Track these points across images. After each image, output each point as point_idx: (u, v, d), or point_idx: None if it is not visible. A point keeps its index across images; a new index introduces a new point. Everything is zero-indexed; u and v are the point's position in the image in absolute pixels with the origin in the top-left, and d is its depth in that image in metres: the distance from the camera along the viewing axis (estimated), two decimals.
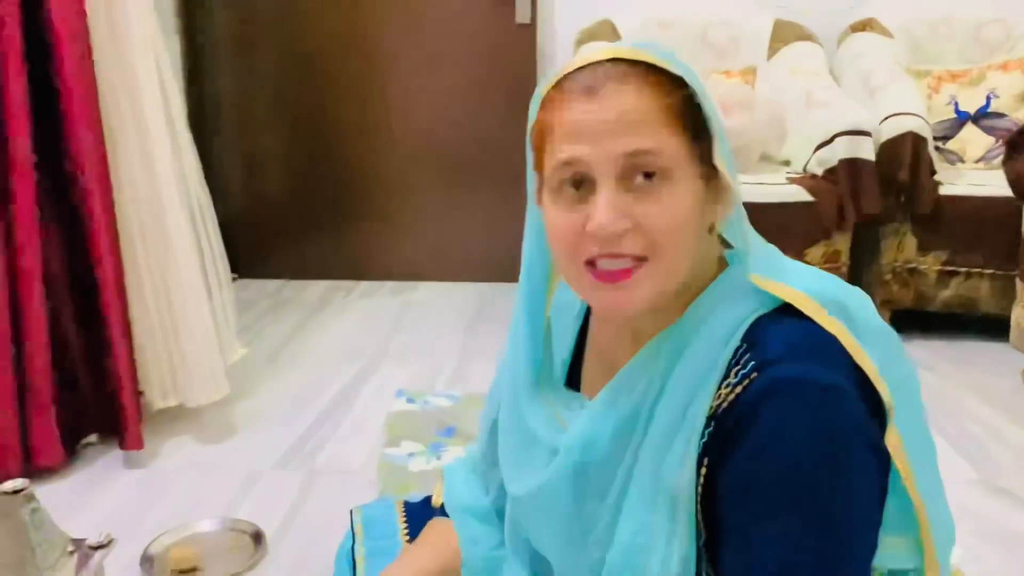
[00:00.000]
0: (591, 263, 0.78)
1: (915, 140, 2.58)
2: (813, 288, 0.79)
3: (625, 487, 0.81)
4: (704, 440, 0.76)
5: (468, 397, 2.23)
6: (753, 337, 0.76)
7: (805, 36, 3.09)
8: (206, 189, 2.11)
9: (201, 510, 1.70)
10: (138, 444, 1.90)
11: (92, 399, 1.93)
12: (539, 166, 0.84)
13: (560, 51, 3.25)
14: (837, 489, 0.71)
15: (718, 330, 0.78)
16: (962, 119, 2.96)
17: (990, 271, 2.63)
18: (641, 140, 0.76)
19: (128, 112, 1.88)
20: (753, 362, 0.74)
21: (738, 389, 0.74)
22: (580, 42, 3.07)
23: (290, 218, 3.39)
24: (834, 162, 2.56)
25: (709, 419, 0.76)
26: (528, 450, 0.90)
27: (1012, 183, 2.45)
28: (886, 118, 2.62)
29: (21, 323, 1.76)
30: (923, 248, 2.67)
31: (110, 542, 1.23)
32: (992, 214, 2.59)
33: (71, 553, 1.21)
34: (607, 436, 0.82)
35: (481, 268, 3.36)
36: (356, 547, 1.15)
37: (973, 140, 2.94)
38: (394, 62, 3.23)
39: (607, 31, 3.07)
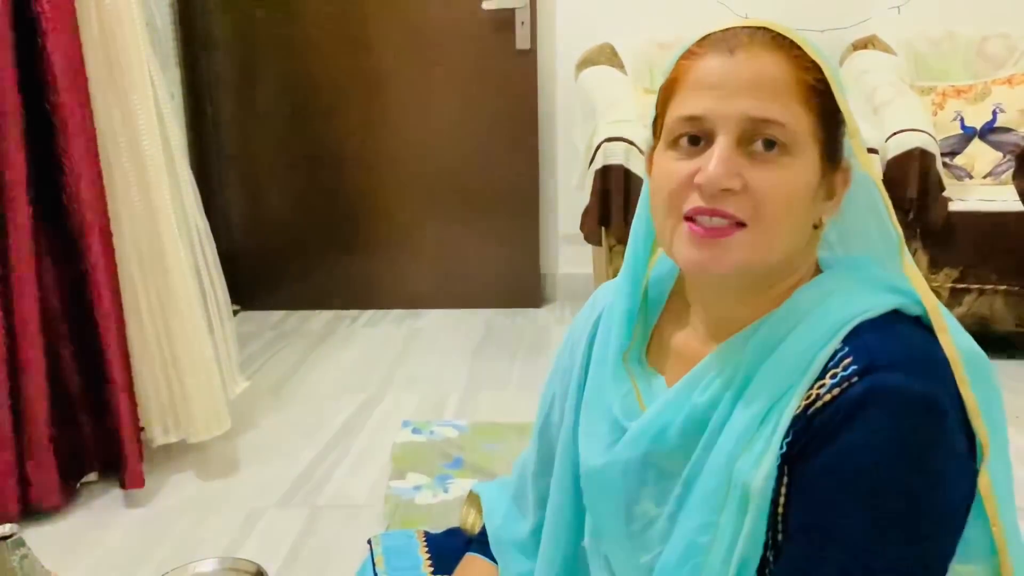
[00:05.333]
0: (690, 218, 0.76)
1: (923, 156, 2.54)
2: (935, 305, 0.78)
3: (688, 487, 0.79)
4: (788, 439, 0.74)
5: (475, 426, 2.19)
6: (856, 341, 0.74)
7: None
8: (206, 222, 2.09)
9: (203, 549, 1.65)
10: (139, 483, 1.86)
11: (92, 437, 1.89)
12: (657, 129, 0.83)
13: (561, 76, 3.25)
14: (928, 505, 0.70)
15: (817, 330, 0.76)
16: (968, 134, 2.93)
17: (1004, 287, 2.59)
18: (771, 108, 0.74)
19: (125, 145, 1.86)
20: (855, 366, 0.72)
21: (835, 391, 0.72)
22: (580, 66, 3.06)
23: (293, 248, 3.36)
24: None
25: (796, 419, 0.73)
26: (600, 422, 0.89)
27: (1023, 197, 2.42)
28: (892, 135, 2.59)
29: (18, 361, 1.73)
30: (934, 265, 2.63)
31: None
32: (1004, 229, 2.55)
33: None
34: (678, 427, 0.80)
35: (487, 294, 3.33)
36: None
37: (981, 155, 2.91)
38: (396, 90, 3.22)
39: (607, 55, 3.06)
